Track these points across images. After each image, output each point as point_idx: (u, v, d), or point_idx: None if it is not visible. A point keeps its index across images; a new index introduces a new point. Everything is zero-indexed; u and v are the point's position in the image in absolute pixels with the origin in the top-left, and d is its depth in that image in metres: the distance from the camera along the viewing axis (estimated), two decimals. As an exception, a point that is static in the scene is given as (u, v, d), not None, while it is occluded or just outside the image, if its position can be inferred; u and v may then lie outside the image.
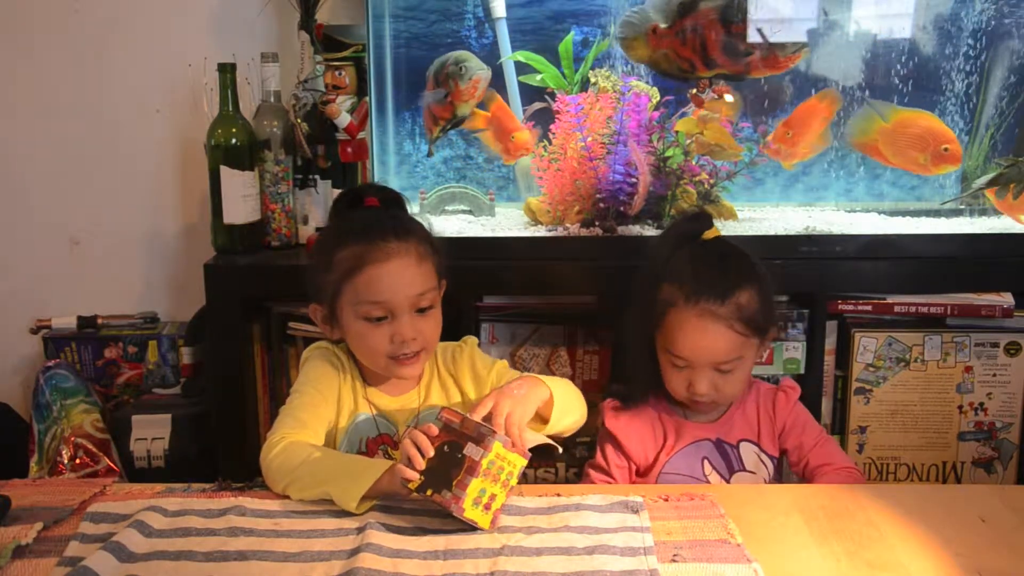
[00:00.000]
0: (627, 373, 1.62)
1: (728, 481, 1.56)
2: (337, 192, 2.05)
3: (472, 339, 1.57)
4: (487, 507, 1.21)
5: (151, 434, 2.07)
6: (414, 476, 1.21)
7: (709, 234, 1.55)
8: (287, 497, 1.31)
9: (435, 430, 1.25)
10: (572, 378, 2.02)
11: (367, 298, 1.40)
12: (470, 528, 1.20)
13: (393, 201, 1.54)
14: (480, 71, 1.90)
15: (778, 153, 1.95)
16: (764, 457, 1.58)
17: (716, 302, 1.47)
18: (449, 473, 1.20)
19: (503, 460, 1.22)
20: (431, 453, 1.22)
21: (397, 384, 1.50)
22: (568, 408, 1.44)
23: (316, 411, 1.44)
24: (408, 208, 1.57)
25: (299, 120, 1.99)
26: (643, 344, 1.56)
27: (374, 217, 1.47)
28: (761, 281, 1.52)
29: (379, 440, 1.48)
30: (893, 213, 2.05)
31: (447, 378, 1.54)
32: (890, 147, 1.95)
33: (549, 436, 1.40)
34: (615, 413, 1.61)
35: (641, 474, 1.60)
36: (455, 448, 1.22)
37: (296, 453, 1.33)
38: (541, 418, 1.39)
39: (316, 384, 1.47)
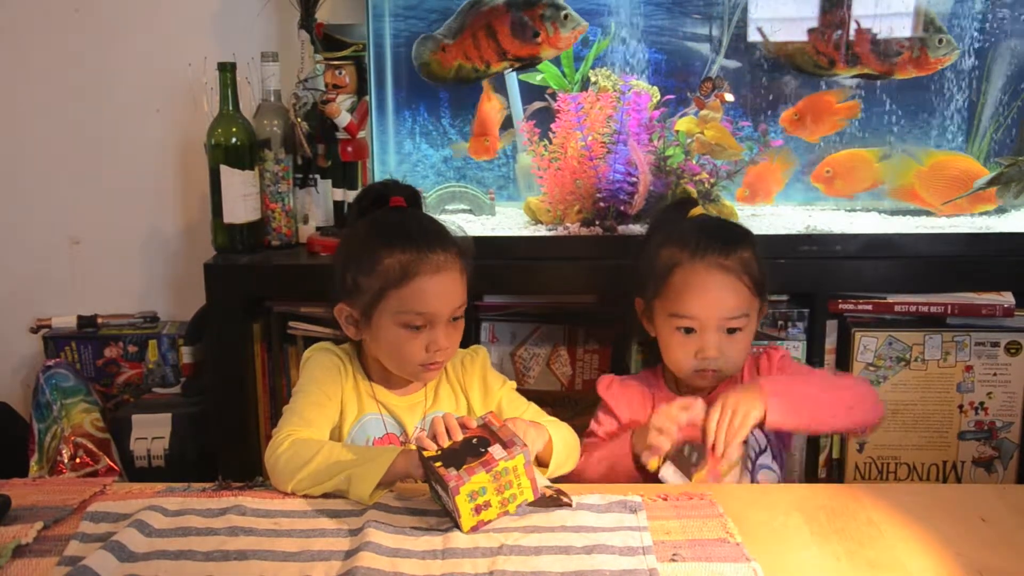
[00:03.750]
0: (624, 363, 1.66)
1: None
2: (337, 192, 2.05)
3: (483, 350, 1.58)
4: (477, 510, 1.20)
5: (151, 434, 2.07)
6: (432, 446, 1.23)
7: (694, 212, 1.59)
8: (287, 496, 1.31)
9: (472, 424, 1.27)
10: (572, 378, 2.02)
11: (413, 308, 1.41)
12: (455, 524, 1.20)
13: (414, 199, 1.55)
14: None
15: (787, 128, 1.97)
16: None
17: (722, 255, 1.49)
18: (465, 458, 1.21)
19: (517, 478, 1.22)
20: (458, 436, 1.24)
21: (405, 384, 1.50)
22: (567, 457, 1.45)
23: (321, 410, 1.44)
24: (422, 206, 1.59)
25: (299, 119, 1.99)
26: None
27: (415, 222, 1.47)
28: (755, 247, 1.55)
29: (385, 440, 1.48)
30: (893, 213, 2.05)
31: (455, 383, 1.54)
32: (928, 190, 1.97)
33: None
34: (607, 382, 1.64)
35: None
36: (482, 443, 1.23)
37: (305, 448, 1.33)
38: (540, 462, 1.40)
39: (320, 383, 1.47)
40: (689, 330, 1.51)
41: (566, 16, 1.81)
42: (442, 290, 1.42)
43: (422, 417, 1.51)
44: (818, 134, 1.96)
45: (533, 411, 1.53)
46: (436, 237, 1.44)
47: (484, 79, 1.94)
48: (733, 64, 1.95)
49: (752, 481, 1.51)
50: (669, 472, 1.40)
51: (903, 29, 1.88)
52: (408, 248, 1.41)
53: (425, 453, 1.23)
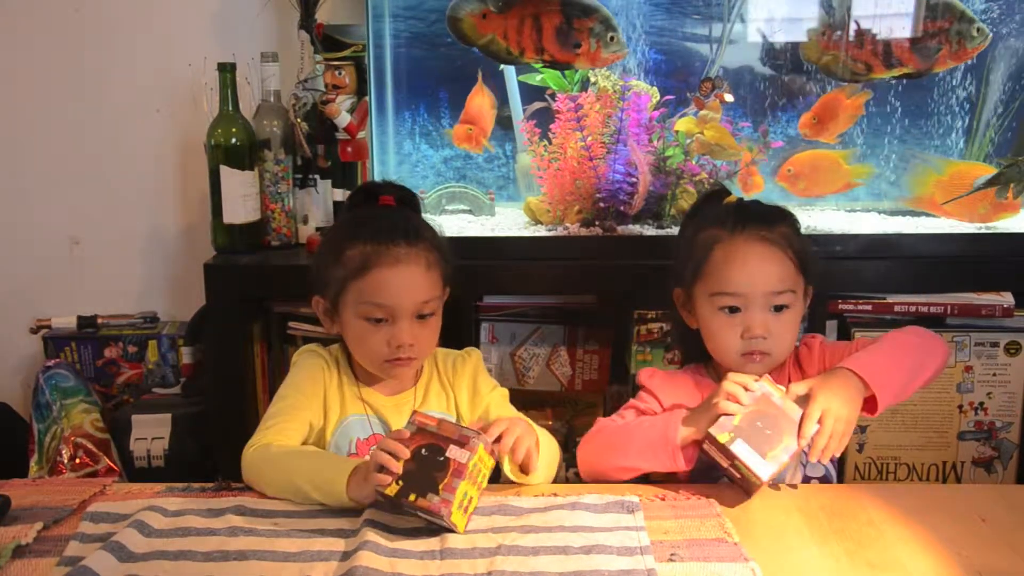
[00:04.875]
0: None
1: None
2: (337, 192, 2.05)
3: (477, 352, 1.56)
4: (465, 510, 1.20)
5: (151, 434, 2.07)
6: (388, 480, 1.19)
7: (729, 200, 1.52)
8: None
9: (407, 434, 1.21)
10: (572, 378, 2.02)
11: (371, 299, 1.40)
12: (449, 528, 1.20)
13: (407, 200, 1.53)
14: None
15: (808, 134, 1.98)
16: None
17: (764, 228, 1.43)
18: (432, 476, 1.18)
19: (481, 463, 1.21)
20: (407, 455, 1.20)
21: (393, 383, 1.50)
22: (549, 462, 1.41)
23: (296, 413, 1.43)
24: (421, 208, 1.57)
25: (299, 120, 1.99)
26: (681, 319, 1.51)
27: (388, 217, 1.45)
28: (797, 227, 1.48)
29: (371, 441, 1.47)
30: (893, 213, 2.05)
31: (446, 384, 1.53)
32: (947, 198, 1.97)
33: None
34: (649, 373, 1.53)
35: None
36: (435, 451, 1.19)
37: (265, 460, 1.34)
38: (522, 468, 1.36)
39: (300, 387, 1.46)
40: (734, 309, 1.42)
41: (612, 38, 1.81)
42: (401, 283, 1.40)
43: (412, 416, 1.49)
44: (836, 133, 1.96)
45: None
46: (402, 231, 1.41)
47: (512, 64, 1.92)
48: (767, 72, 1.98)
49: (804, 478, 1.44)
50: (743, 449, 1.27)
51: (938, 24, 1.87)
52: (371, 240, 1.40)
53: (387, 491, 1.17)
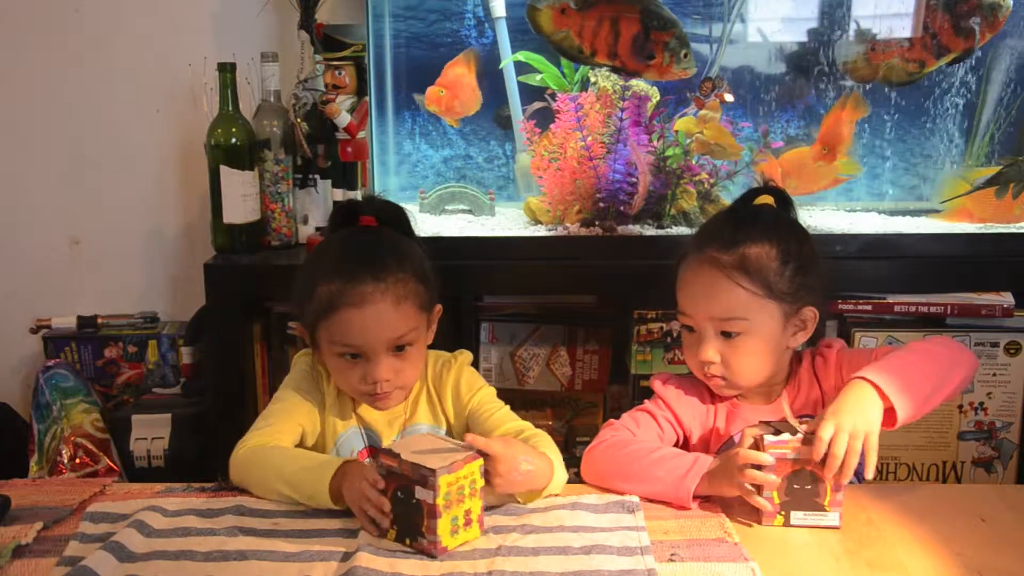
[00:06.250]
0: None
1: None
2: (337, 192, 2.05)
3: (465, 355, 1.50)
4: (468, 524, 1.18)
5: (151, 434, 2.07)
6: (385, 529, 1.19)
7: (759, 200, 1.46)
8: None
9: (381, 483, 1.18)
10: (572, 378, 2.02)
11: (340, 340, 1.36)
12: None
13: (392, 217, 1.46)
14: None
15: (824, 166, 1.97)
16: None
17: (720, 249, 1.37)
18: (413, 521, 1.16)
19: (463, 479, 1.17)
20: (388, 509, 1.18)
21: None
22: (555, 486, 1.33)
23: (289, 416, 1.41)
24: (412, 223, 1.50)
25: (299, 120, 1.99)
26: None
27: (357, 246, 1.40)
28: (790, 244, 1.38)
29: (365, 453, 1.45)
30: (893, 213, 2.05)
31: (433, 394, 1.48)
32: (981, 206, 1.97)
33: None
34: (664, 379, 1.48)
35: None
36: (407, 492, 1.16)
37: (252, 457, 1.33)
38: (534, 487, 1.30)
39: (294, 390, 1.44)
40: (692, 329, 1.40)
41: (685, 54, 1.79)
42: (368, 324, 1.34)
43: (400, 430, 1.46)
44: (845, 151, 1.95)
45: (504, 412, 1.44)
46: (367, 266, 1.35)
47: (582, 63, 1.89)
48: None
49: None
50: (802, 518, 1.23)
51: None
52: (335, 278, 1.35)
53: (389, 539, 1.18)
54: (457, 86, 1.95)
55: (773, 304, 1.37)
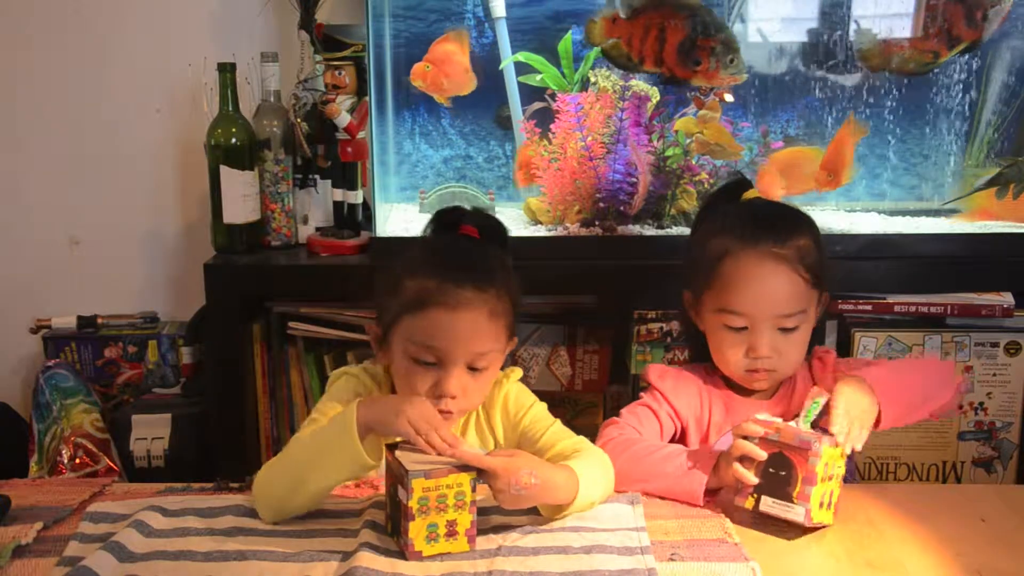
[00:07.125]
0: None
1: None
2: (337, 192, 2.05)
3: (516, 371, 1.41)
4: (452, 535, 1.15)
5: (151, 434, 2.07)
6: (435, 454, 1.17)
7: (749, 194, 1.45)
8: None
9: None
10: (572, 378, 2.02)
11: (421, 340, 1.27)
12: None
13: (494, 233, 1.37)
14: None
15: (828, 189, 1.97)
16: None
17: (777, 244, 1.33)
18: (398, 517, 1.16)
19: (445, 488, 1.14)
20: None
21: None
22: (602, 488, 1.28)
23: None
24: (508, 242, 1.39)
25: (299, 120, 2.00)
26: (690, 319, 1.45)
27: (461, 251, 1.32)
28: (815, 232, 1.40)
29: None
30: (893, 213, 2.05)
31: (483, 419, 1.39)
32: (1002, 204, 1.96)
33: None
34: (660, 371, 1.46)
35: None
36: (395, 490, 1.17)
37: (273, 463, 1.28)
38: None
39: (328, 414, 1.33)
40: (740, 327, 1.36)
41: (732, 60, 1.78)
42: (458, 328, 1.25)
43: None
44: (850, 166, 1.94)
45: (556, 429, 1.35)
46: (469, 272, 1.27)
47: (630, 70, 1.88)
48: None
49: None
50: (770, 504, 1.23)
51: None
52: (432, 276, 1.27)
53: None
54: (446, 62, 1.91)
55: (815, 293, 1.38)
